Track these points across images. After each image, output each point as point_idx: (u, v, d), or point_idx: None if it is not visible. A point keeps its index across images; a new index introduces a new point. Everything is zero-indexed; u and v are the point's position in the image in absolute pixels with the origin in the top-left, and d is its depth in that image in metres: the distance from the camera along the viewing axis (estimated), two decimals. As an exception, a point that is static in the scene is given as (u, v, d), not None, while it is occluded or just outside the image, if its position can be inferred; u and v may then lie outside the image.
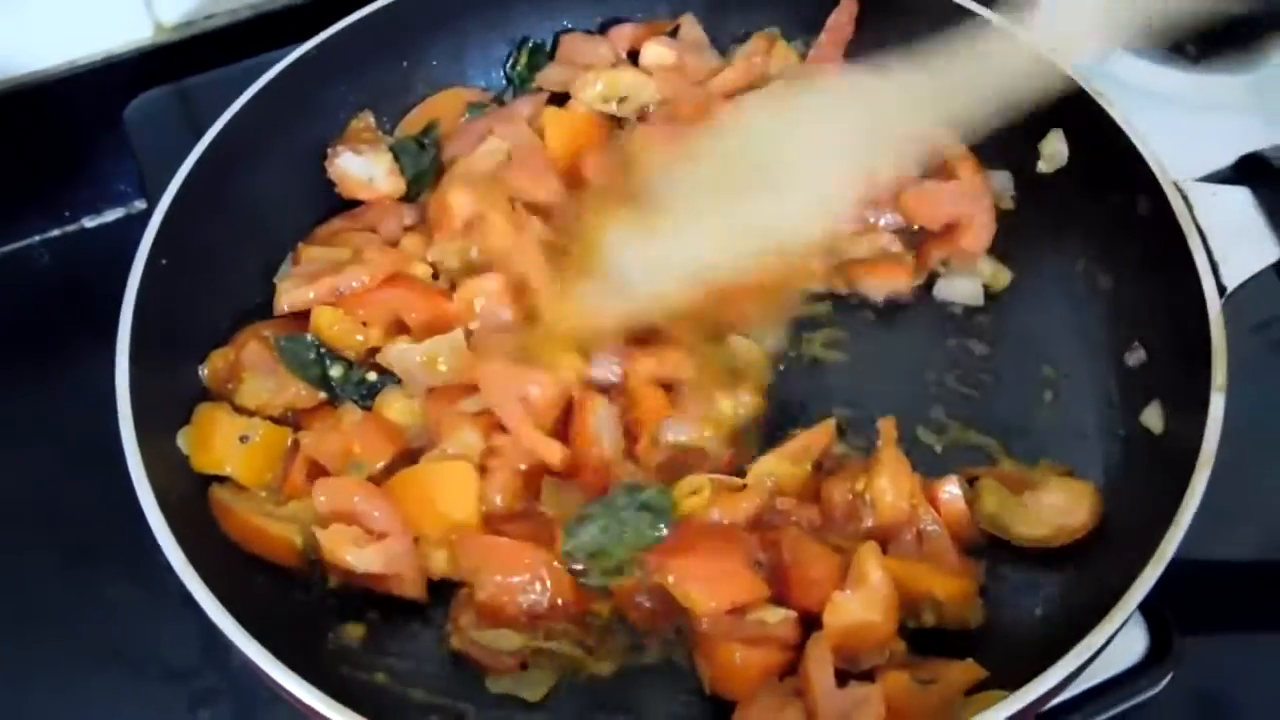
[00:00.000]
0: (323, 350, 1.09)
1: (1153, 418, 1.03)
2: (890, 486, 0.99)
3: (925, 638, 0.97)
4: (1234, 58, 1.45)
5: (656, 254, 1.03)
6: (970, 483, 1.04)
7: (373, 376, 1.10)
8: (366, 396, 1.09)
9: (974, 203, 1.17)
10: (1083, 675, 0.95)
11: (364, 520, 1.00)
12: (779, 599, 0.96)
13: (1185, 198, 1.03)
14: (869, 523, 1.00)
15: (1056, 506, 1.02)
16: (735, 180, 1.03)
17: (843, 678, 0.91)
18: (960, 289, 1.18)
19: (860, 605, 0.93)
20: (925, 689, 0.92)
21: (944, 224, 1.18)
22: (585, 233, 1.08)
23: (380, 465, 1.04)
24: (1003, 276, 1.18)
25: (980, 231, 1.17)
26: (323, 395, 1.09)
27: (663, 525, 0.97)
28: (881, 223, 1.19)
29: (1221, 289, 1.00)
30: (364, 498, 1.00)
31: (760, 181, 1.02)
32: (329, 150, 1.22)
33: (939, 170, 1.19)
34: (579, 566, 0.98)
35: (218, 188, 1.12)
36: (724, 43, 1.32)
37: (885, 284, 1.18)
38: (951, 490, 1.02)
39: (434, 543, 1.01)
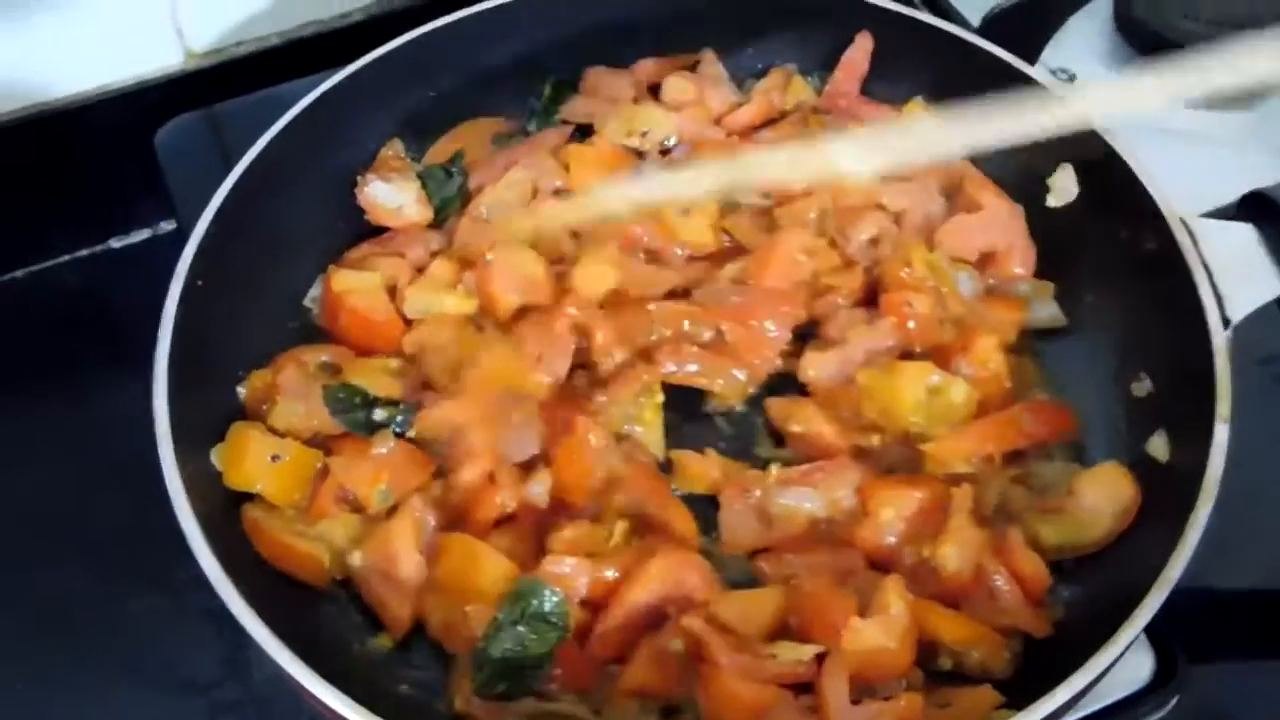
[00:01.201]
0: (369, 396, 1.10)
1: (1158, 447, 1.04)
2: (956, 554, 0.99)
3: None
4: (1239, 94, 1.46)
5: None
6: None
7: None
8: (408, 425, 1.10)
9: (1007, 229, 1.19)
10: (1089, 698, 0.97)
11: None
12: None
13: (1191, 233, 1.05)
14: (938, 586, 1.00)
15: (1102, 497, 1.03)
16: None
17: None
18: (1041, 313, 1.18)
19: (878, 632, 0.94)
20: (941, 712, 0.93)
21: (980, 254, 1.19)
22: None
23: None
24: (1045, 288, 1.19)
25: (1022, 255, 1.19)
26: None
27: (561, 628, 0.97)
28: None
29: (1226, 322, 1.02)
30: None
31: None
32: (359, 178, 1.24)
33: (962, 203, 1.21)
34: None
35: (251, 212, 1.14)
36: (742, 78, 1.35)
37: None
38: (1020, 545, 1.01)
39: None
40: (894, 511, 1.03)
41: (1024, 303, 1.17)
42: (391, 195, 1.23)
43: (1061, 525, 1.03)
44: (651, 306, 1.14)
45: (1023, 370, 1.14)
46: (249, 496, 1.06)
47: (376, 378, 1.12)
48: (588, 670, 0.99)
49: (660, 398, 1.11)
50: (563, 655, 0.98)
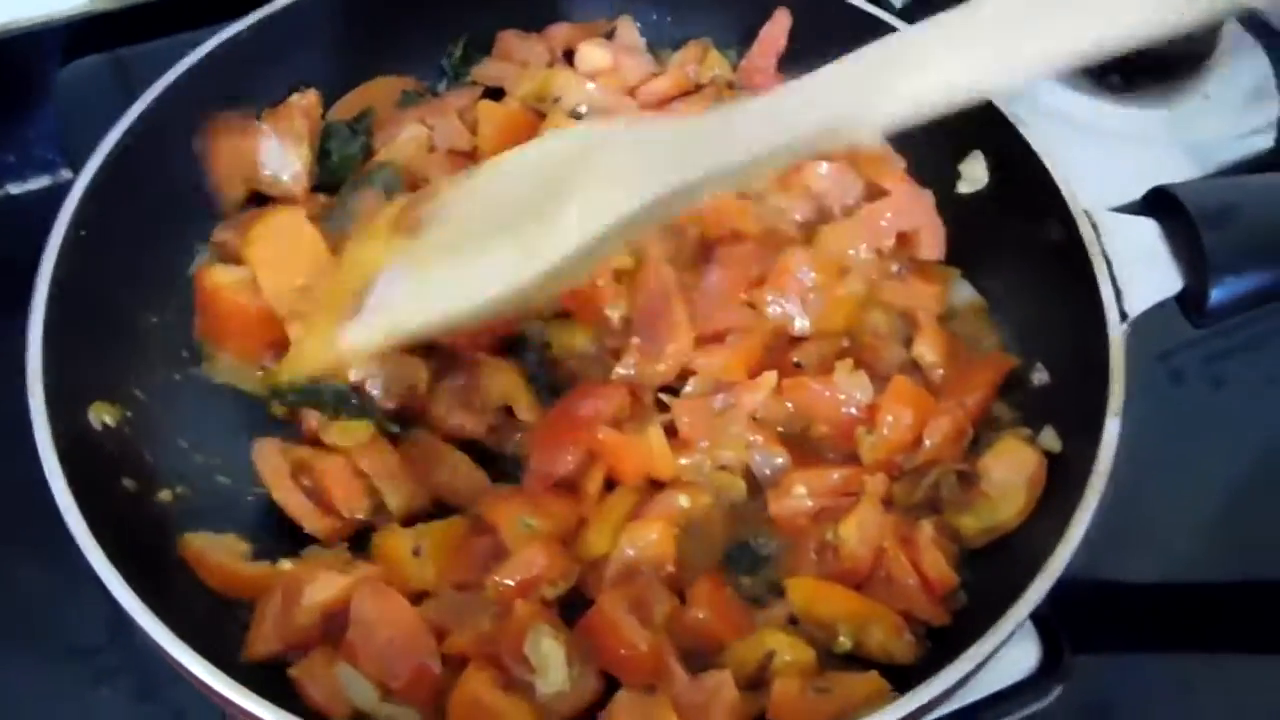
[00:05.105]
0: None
1: (1051, 438, 1.05)
2: (856, 533, 1.00)
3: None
4: (1157, 90, 1.49)
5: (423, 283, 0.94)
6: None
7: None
8: None
9: (915, 213, 1.18)
10: (976, 685, 0.98)
11: None
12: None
13: (1095, 225, 1.06)
14: (839, 566, 1.00)
15: (1009, 469, 1.03)
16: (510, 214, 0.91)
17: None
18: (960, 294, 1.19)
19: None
20: (821, 696, 0.93)
21: (894, 239, 1.18)
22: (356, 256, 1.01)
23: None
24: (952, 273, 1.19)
25: (932, 238, 1.18)
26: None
27: None
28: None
29: (1123, 315, 1.02)
30: None
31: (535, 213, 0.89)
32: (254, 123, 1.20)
33: (869, 191, 1.20)
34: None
35: (143, 162, 1.11)
36: (659, 48, 1.33)
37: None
38: (928, 545, 1.00)
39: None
40: (805, 488, 1.04)
41: (944, 277, 1.17)
42: (275, 157, 1.19)
43: (978, 510, 1.03)
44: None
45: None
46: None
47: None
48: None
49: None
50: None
